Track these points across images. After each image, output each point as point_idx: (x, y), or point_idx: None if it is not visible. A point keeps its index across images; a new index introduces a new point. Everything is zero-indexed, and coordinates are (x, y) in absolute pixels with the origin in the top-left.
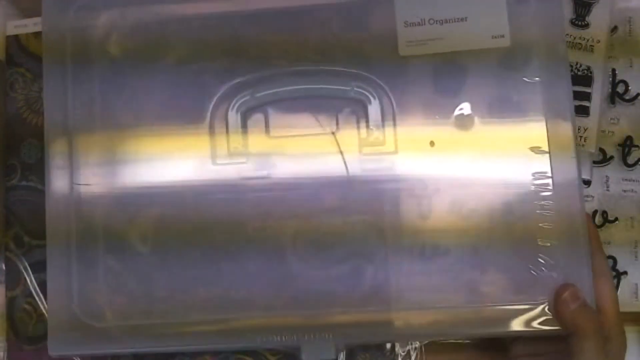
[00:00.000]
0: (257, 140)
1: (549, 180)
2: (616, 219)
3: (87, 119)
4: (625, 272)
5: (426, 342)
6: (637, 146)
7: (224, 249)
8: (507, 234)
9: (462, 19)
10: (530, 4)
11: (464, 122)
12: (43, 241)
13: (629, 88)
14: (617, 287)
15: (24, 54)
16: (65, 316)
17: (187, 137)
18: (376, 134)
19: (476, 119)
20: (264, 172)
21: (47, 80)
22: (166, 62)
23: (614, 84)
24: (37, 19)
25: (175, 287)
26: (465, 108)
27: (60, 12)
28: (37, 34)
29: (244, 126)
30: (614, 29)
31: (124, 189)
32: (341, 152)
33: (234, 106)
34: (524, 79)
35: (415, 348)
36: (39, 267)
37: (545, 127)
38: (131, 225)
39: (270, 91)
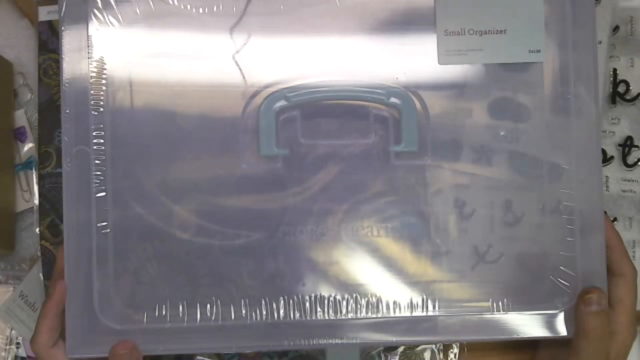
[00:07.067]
0: (289, 143)
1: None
2: (615, 219)
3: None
4: None
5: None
6: (637, 146)
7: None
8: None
9: (501, 32)
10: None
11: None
12: None
13: (630, 88)
14: None
15: (57, 40)
16: (85, 318)
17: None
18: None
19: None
20: (294, 174)
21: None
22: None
23: (615, 84)
24: None
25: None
26: None
27: None
28: None
29: (276, 128)
30: (616, 28)
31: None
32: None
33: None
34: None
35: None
36: None
37: None
38: (168, 221)
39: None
